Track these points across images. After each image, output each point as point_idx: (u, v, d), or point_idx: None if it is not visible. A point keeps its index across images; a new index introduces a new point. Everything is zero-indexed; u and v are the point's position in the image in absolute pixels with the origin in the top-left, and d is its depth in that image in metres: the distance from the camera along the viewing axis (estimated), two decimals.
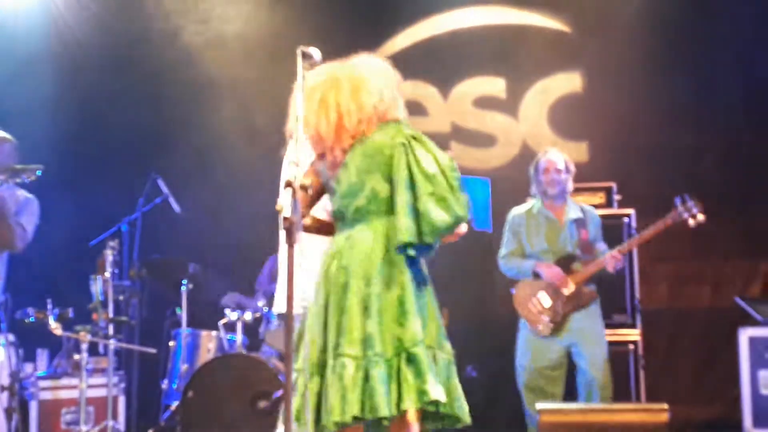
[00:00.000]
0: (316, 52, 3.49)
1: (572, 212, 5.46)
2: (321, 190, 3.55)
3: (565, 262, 5.35)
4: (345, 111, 3.42)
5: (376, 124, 3.43)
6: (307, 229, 3.59)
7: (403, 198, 3.30)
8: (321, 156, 3.52)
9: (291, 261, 3.10)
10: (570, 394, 5.42)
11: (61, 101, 7.11)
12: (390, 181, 3.36)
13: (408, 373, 3.26)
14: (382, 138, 3.38)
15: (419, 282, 3.38)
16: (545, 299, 5.33)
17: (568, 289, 5.30)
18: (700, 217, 5.28)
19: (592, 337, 5.30)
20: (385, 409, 3.18)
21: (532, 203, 5.58)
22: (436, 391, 3.26)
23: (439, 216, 3.27)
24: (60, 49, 7.28)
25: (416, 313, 3.33)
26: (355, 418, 3.21)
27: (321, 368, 3.32)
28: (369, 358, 3.23)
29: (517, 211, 5.61)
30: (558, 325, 5.30)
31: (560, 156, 5.53)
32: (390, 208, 3.37)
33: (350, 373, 3.23)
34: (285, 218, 3.05)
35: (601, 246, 5.45)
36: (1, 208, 4.98)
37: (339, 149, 3.44)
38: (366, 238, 3.37)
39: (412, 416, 3.28)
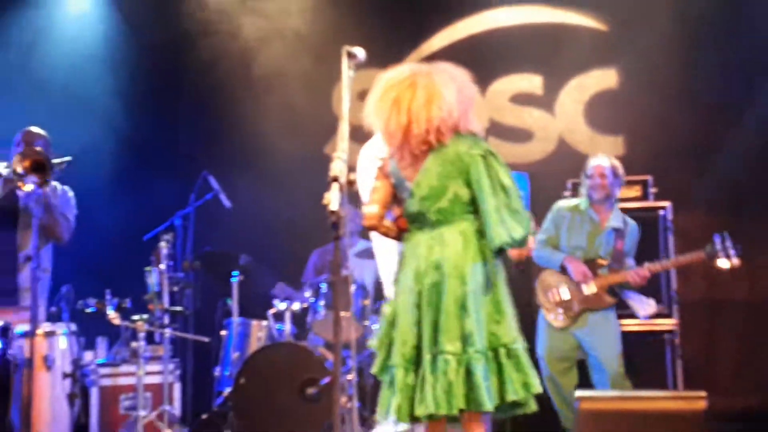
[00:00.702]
0: (360, 52, 3.50)
1: (615, 221, 5.39)
2: (393, 192, 3.58)
3: (593, 265, 5.30)
4: (414, 118, 3.46)
5: (450, 135, 3.46)
6: (387, 233, 3.63)
7: (492, 204, 3.39)
8: (392, 154, 3.57)
9: (337, 253, 3.07)
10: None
11: (118, 101, 7.17)
12: (470, 186, 3.44)
13: (510, 368, 3.36)
14: (461, 148, 3.45)
15: (504, 281, 3.48)
16: (565, 293, 5.30)
17: (589, 290, 5.25)
18: (736, 261, 5.14)
19: (605, 335, 5.25)
20: (488, 403, 3.29)
21: (580, 200, 5.52)
22: (538, 383, 3.40)
23: (514, 227, 3.39)
24: (117, 52, 7.34)
25: (509, 309, 3.44)
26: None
27: (414, 364, 3.38)
28: (470, 354, 3.31)
29: (565, 203, 5.57)
30: (571, 320, 5.27)
31: (607, 162, 5.45)
32: (469, 211, 3.46)
33: (453, 369, 3.30)
34: (331, 212, 3.03)
35: (630, 261, 5.39)
36: (48, 204, 5.01)
37: (408, 152, 3.49)
38: (456, 239, 3.43)
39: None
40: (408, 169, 3.51)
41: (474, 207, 3.46)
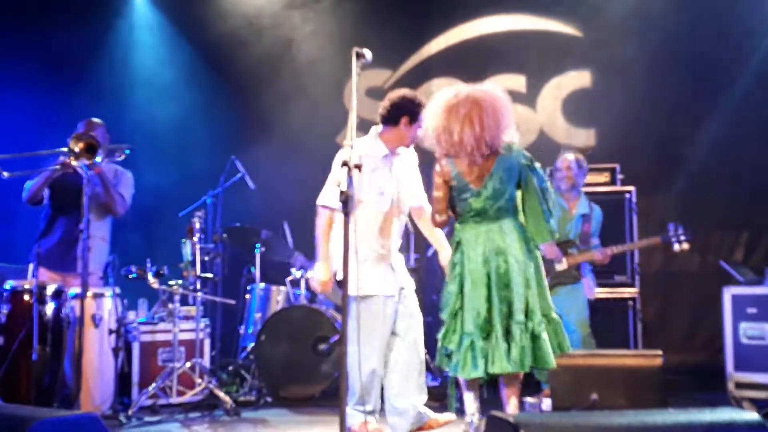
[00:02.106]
0: (368, 53, 3.49)
1: (582, 208, 5.43)
2: (450, 188, 3.82)
3: (564, 246, 5.32)
4: (487, 126, 3.67)
5: (501, 144, 3.73)
6: (440, 224, 3.92)
7: (542, 206, 3.75)
8: (446, 155, 3.79)
9: (347, 228, 3.10)
10: None
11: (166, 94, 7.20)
12: (520, 188, 3.79)
13: (551, 333, 3.70)
14: (513, 156, 3.76)
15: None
16: None
17: (561, 266, 5.26)
18: (686, 246, 5.16)
19: (575, 302, 5.24)
20: (552, 361, 3.63)
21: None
22: (569, 344, 3.76)
23: (553, 224, 3.78)
24: (169, 51, 7.36)
25: (546, 286, 3.77)
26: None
27: (485, 332, 3.63)
28: (535, 323, 3.63)
29: None
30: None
31: (573, 156, 5.49)
32: (517, 209, 3.80)
33: (521, 335, 3.60)
34: (342, 192, 3.05)
35: (595, 240, 5.42)
36: (105, 181, 5.09)
37: (479, 155, 3.70)
38: (514, 231, 3.74)
39: None
40: (471, 173, 3.74)
41: (517, 205, 3.80)
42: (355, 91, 3.38)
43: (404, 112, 4.05)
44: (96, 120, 5.29)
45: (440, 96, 3.82)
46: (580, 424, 2.17)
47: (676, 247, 5.18)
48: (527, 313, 3.63)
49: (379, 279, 4.00)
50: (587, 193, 5.91)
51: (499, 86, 3.86)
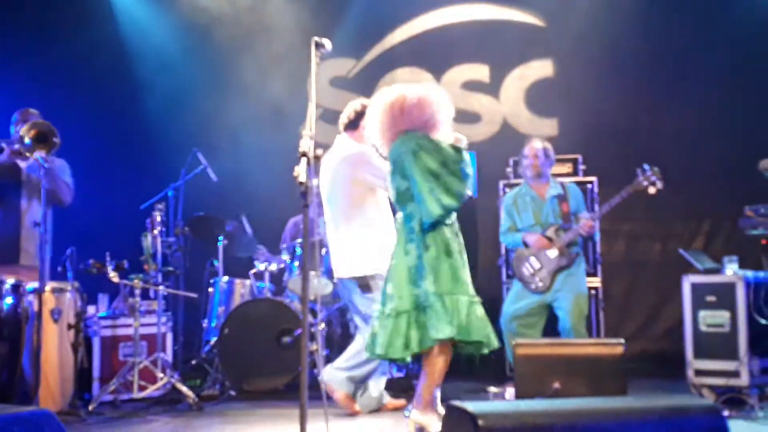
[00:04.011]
0: (327, 43, 3.49)
1: (553, 190, 5.44)
2: None
3: (550, 231, 5.34)
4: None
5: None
6: None
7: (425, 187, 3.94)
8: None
9: (306, 219, 3.09)
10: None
11: (120, 90, 7.10)
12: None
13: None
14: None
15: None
16: (535, 262, 5.34)
17: (552, 254, 5.29)
18: (659, 184, 5.23)
19: (572, 291, 5.25)
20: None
21: (520, 187, 5.59)
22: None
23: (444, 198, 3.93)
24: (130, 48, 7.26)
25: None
26: None
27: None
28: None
29: (509, 194, 5.66)
30: (548, 283, 5.30)
31: (540, 145, 5.49)
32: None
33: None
34: (300, 183, 3.04)
35: (585, 214, 5.41)
36: (52, 172, 4.97)
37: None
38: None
39: None
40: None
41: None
42: (314, 81, 3.37)
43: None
44: (31, 109, 5.14)
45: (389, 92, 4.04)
46: (536, 412, 2.20)
47: (651, 189, 5.23)
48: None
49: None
50: None
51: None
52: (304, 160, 3.06)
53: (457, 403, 2.42)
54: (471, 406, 2.26)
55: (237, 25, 7.29)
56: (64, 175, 5.16)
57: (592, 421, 2.14)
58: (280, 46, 7.17)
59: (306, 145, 3.09)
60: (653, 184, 5.22)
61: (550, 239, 5.31)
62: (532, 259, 5.34)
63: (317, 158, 3.10)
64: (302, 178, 3.03)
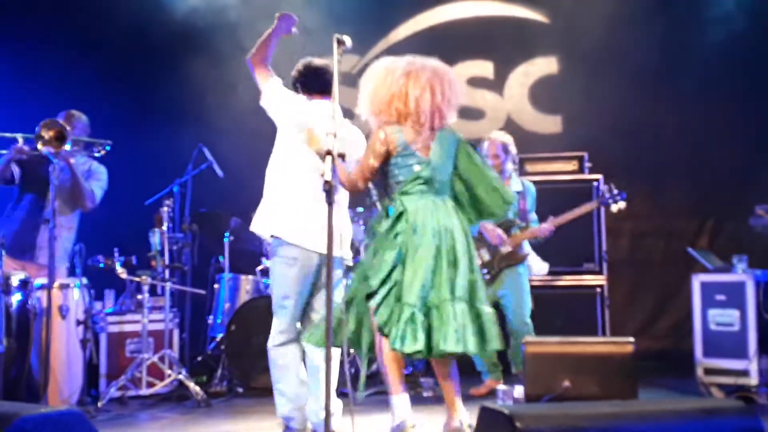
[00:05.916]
0: (348, 40, 3.47)
1: (514, 186, 5.39)
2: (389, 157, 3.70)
3: (506, 227, 5.34)
4: (445, 97, 3.64)
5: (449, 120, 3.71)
6: (359, 191, 3.73)
7: (491, 172, 3.79)
8: (391, 123, 3.62)
9: (330, 217, 3.08)
10: None
11: (131, 83, 7.03)
12: (455, 167, 3.73)
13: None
14: (451, 134, 3.71)
15: None
16: (485, 254, 5.34)
17: (506, 249, 5.30)
18: (622, 204, 5.25)
19: (517, 292, 5.26)
20: (499, 343, 3.63)
21: None
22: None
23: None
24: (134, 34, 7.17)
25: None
26: None
27: (426, 307, 3.43)
28: (481, 303, 3.52)
29: None
30: (494, 278, 5.30)
31: (499, 141, 5.40)
32: (453, 189, 3.74)
33: (464, 315, 3.44)
34: (326, 182, 3.03)
35: (533, 216, 5.44)
36: (75, 172, 4.98)
37: (429, 125, 3.60)
38: (456, 211, 3.62)
39: None
40: (419, 141, 3.59)
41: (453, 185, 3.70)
42: (336, 79, 3.35)
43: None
44: (76, 112, 5.18)
45: (382, 65, 3.72)
46: (574, 414, 2.21)
47: (614, 207, 5.27)
48: (471, 294, 3.48)
49: None
50: (555, 182, 5.99)
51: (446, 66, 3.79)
52: (329, 158, 3.04)
53: (491, 405, 2.42)
54: (507, 408, 2.26)
55: (242, 21, 7.22)
56: (93, 180, 5.16)
57: (629, 423, 2.14)
58: (286, 41, 7.09)
59: (330, 143, 3.08)
60: (616, 202, 5.25)
61: (507, 233, 5.31)
62: (484, 250, 5.33)
63: (342, 156, 3.08)
64: (327, 177, 3.02)
